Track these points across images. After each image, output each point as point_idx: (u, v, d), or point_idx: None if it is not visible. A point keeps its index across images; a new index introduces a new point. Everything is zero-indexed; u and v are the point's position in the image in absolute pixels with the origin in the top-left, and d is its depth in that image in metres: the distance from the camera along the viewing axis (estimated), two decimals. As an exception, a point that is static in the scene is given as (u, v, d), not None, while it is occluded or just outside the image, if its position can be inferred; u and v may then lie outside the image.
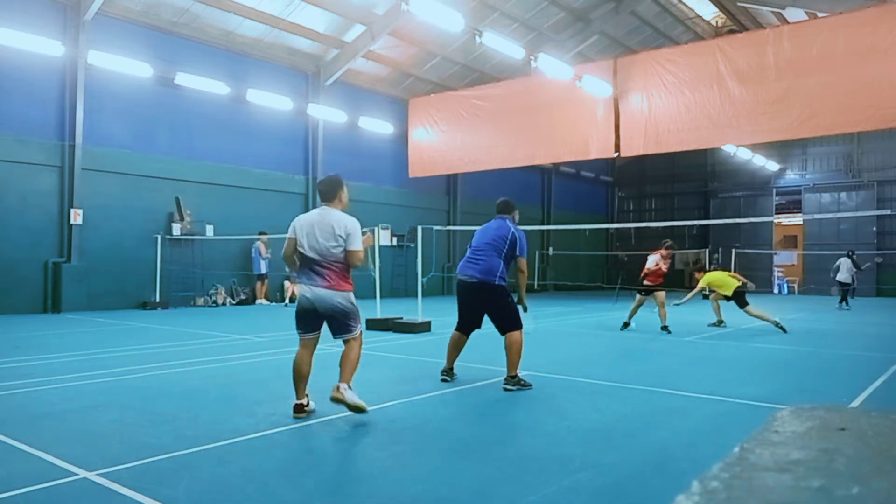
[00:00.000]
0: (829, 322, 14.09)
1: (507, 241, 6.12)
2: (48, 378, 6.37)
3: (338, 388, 4.59)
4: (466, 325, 6.33)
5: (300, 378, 4.84)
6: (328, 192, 4.98)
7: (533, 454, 3.93)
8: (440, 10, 14.67)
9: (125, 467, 3.59)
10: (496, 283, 6.03)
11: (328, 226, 4.76)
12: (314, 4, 17.92)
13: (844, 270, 19.43)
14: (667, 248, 11.86)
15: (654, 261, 11.86)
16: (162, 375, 6.64)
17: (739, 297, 11.51)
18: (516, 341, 5.99)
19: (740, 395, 5.70)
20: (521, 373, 6.73)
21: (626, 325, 11.84)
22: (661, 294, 11.74)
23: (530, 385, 6.02)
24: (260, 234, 17.53)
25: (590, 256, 31.31)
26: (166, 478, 3.46)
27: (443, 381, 6.27)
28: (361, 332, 4.97)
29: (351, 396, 4.58)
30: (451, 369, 6.38)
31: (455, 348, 6.37)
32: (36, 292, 14.54)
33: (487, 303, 6.12)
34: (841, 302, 18.96)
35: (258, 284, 18.00)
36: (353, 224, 4.85)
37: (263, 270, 17.74)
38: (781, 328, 11.15)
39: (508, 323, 6.05)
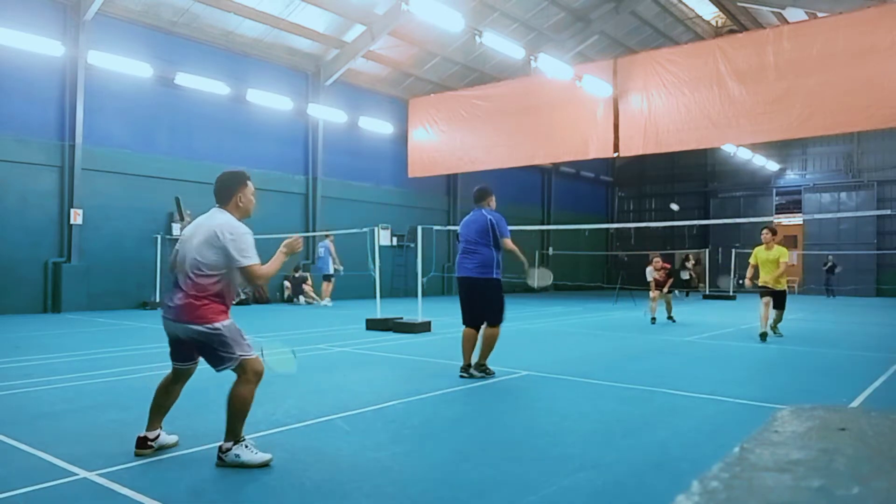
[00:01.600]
0: (829, 322, 14.09)
1: (489, 231, 6.44)
2: (48, 378, 6.37)
3: (219, 449, 3.67)
4: (473, 319, 6.55)
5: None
6: (221, 191, 3.86)
7: (533, 454, 3.92)
8: (440, 10, 14.68)
9: (125, 467, 3.59)
10: (493, 276, 6.39)
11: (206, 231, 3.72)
12: (314, 4, 17.92)
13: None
14: (654, 262, 13.75)
15: (651, 274, 13.69)
16: (162, 375, 6.60)
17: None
18: (495, 335, 6.45)
19: (740, 395, 5.70)
20: (522, 372, 6.75)
21: (653, 320, 13.11)
22: (668, 295, 13.65)
23: (493, 372, 6.50)
24: (327, 232, 17.36)
25: (590, 256, 31.32)
26: (166, 478, 3.46)
27: (461, 377, 6.47)
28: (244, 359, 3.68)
29: (238, 458, 3.60)
30: (470, 366, 6.53)
31: (469, 344, 6.54)
32: (36, 292, 14.54)
33: (483, 296, 6.43)
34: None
35: (325, 284, 17.69)
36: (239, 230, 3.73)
37: (331, 270, 17.48)
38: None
39: (495, 316, 6.44)
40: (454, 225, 24.06)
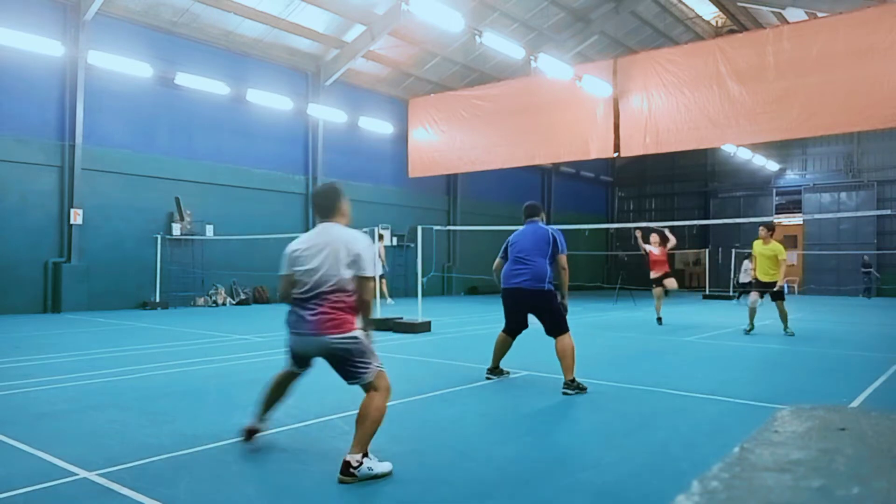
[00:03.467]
0: (829, 322, 14.09)
1: (549, 243, 6.15)
2: (48, 378, 6.37)
3: (347, 465, 3.45)
4: (515, 327, 6.43)
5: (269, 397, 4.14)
6: (325, 205, 3.91)
7: (533, 454, 3.92)
8: (440, 10, 14.67)
9: (125, 467, 3.59)
10: (545, 288, 6.09)
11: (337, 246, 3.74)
12: (314, 4, 17.93)
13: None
14: (652, 237, 13.04)
15: (648, 249, 12.95)
16: (162, 375, 6.63)
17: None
18: (568, 346, 5.98)
19: (740, 395, 5.70)
20: (522, 372, 6.74)
21: (659, 320, 12.56)
22: (671, 282, 12.83)
23: (586, 389, 5.88)
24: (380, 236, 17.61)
25: (590, 256, 31.32)
26: (166, 478, 3.46)
27: (487, 379, 6.45)
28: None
29: (372, 471, 3.48)
30: (497, 367, 6.56)
31: (501, 349, 6.53)
32: (36, 292, 14.54)
33: (538, 308, 6.16)
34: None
35: (383, 283, 17.88)
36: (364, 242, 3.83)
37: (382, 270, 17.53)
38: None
39: (558, 326, 6.06)
40: (454, 225, 24.08)
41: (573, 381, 5.89)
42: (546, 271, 6.09)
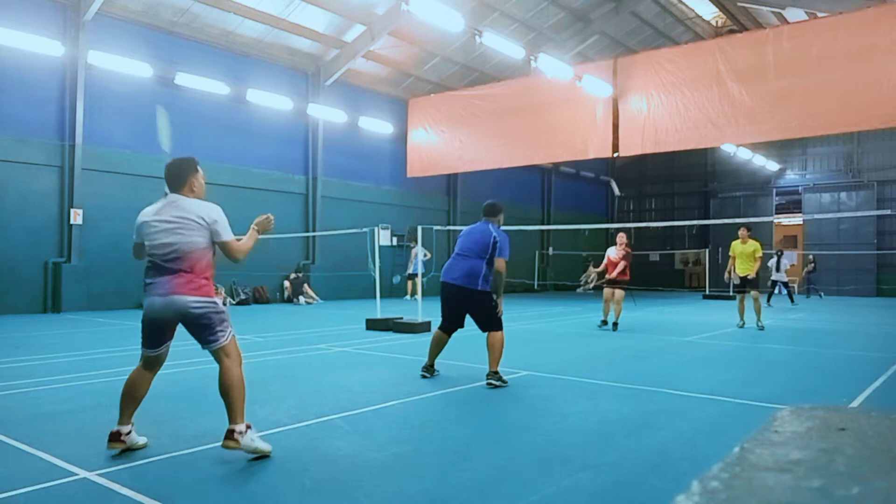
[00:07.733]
0: (828, 322, 14.09)
1: (490, 246, 6.23)
2: (48, 378, 6.37)
3: (231, 433, 3.70)
4: (450, 325, 6.48)
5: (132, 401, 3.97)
6: (175, 179, 4.25)
7: (533, 454, 3.92)
8: (440, 10, 14.68)
9: (125, 467, 3.59)
10: (479, 288, 6.19)
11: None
12: (314, 4, 17.93)
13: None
14: (619, 237, 12.47)
15: (613, 253, 12.34)
16: (161, 375, 6.58)
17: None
18: (498, 340, 6.18)
19: (740, 395, 5.70)
20: (522, 372, 6.74)
21: (604, 323, 11.94)
22: (621, 293, 12.02)
23: (507, 382, 6.10)
24: (414, 242, 18.50)
25: (590, 256, 31.32)
26: (166, 478, 3.46)
27: (423, 377, 6.43)
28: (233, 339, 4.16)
29: (248, 441, 3.71)
30: (433, 366, 6.56)
31: (438, 346, 6.55)
32: (36, 292, 14.54)
33: (470, 306, 6.30)
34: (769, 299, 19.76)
35: (413, 282, 19.36)
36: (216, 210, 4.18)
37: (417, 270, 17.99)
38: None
39: (489, 324, 6.24)
40: (454, 225, 24.06)
41: (496, 373, 6.11)
42: (480, 271, 6.18)
